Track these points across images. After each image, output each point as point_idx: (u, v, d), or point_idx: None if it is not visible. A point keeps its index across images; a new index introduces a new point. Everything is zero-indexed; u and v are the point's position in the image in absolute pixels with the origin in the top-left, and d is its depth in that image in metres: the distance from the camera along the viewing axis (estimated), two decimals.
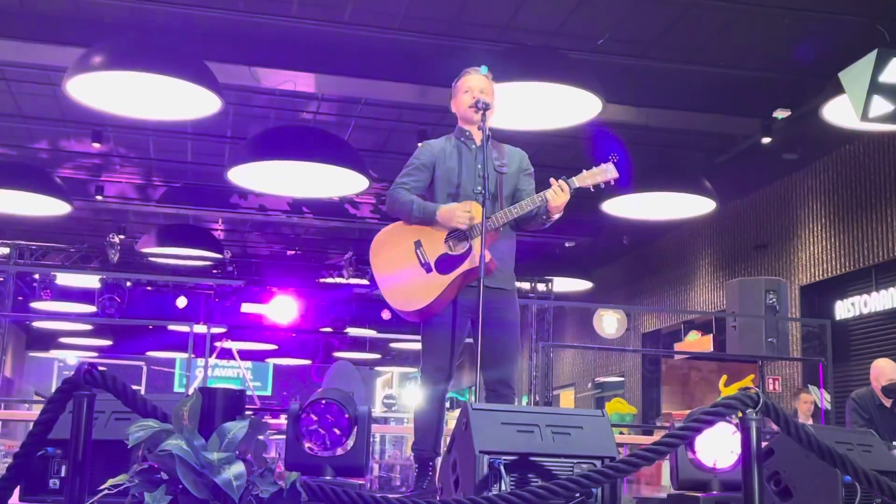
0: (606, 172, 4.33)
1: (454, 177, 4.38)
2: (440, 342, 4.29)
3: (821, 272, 11.27)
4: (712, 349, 12.58)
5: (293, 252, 17.39)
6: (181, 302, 13.57)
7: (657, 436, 8.17)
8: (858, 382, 9.76)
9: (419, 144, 4.66)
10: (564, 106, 7.84)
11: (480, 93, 4.40)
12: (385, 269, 4.37)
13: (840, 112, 7.51)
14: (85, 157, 12.46)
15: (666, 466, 6.85)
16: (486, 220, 4.11)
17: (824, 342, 9.95)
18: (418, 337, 4.42)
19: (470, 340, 4.35)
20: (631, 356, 15.96)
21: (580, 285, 14.85)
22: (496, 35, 8.60)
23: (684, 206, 10.33)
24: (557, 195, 4.21)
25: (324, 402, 4.03)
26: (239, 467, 2.58)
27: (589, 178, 4.32)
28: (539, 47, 8.21)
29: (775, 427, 3.20)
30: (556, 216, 4.31)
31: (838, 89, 7.14)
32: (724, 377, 10.80)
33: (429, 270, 4.24)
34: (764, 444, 3.38)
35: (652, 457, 3.00)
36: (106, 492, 2.60)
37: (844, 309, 11.16)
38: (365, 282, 13.52)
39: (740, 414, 2.97)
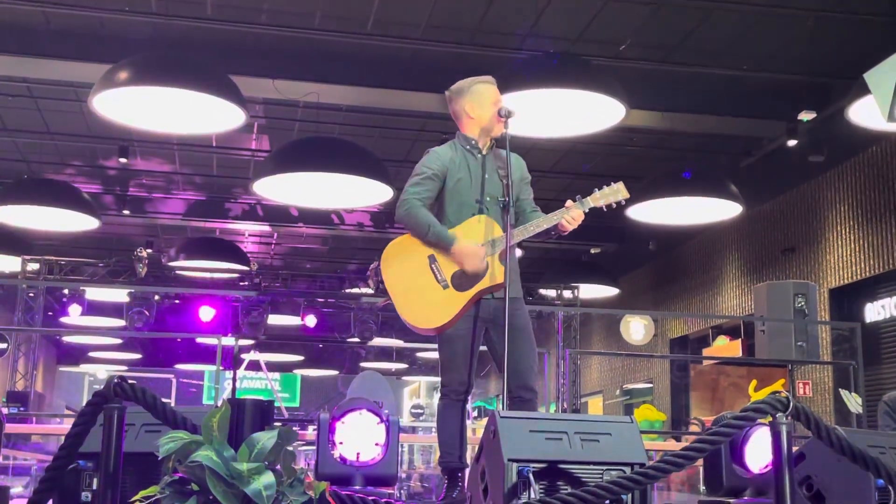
0: (617, 193, 4.35)
1: (463, 188, 4.35)
2: (458, 355, 4.25)
3: (850, 275, 11.16)
4: (741, 354, 12.50)
5: (320, 263, 17.45)
6: (206, 314, 13.64)
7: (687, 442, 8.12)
8: (890, 385, 9.66)
9: (427, 151, 4.62)
10: (587, 112, 7.84)
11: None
12: (399, 284, 4.27)
13: (866, 113, 7.45)
14: (112, 172, 12.57)
15: None
16: (510, 229, 4.13)
17: (854, 345, 9.84)
18: None
19: (484, 349, 4.35)
20: (659, 362, 15.86)
21: (606, 292, 14.81)
22: (518, 43, 8.61)
23: (710, 210, 10.27)
24: (571, 221, 4.23)
25: (357, 410, 4.04)
26: (269, 477, 2.59)
27: (601, 198, 4.34)
28: (561, 54, 8.21)
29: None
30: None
31: (864, 90, 7.08)
32: (754, 382, 10.70)
33: (445, 287, 4.18)
34: (795, 448, 3.35)
35: (682, 462, 2.98)
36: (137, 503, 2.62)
37: (874, 311, 11.04)
38: None
39: (770, 418, 2.95)
